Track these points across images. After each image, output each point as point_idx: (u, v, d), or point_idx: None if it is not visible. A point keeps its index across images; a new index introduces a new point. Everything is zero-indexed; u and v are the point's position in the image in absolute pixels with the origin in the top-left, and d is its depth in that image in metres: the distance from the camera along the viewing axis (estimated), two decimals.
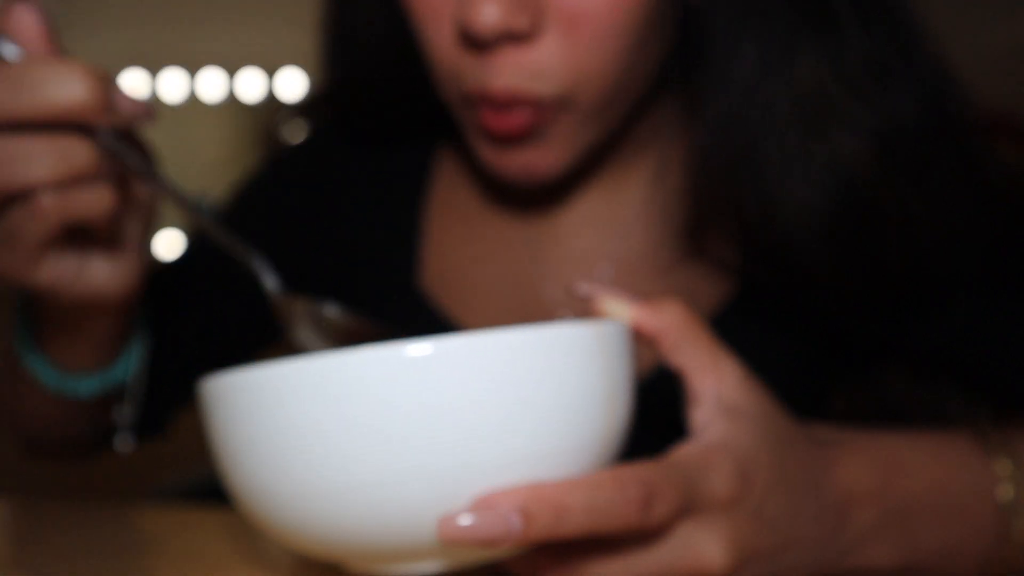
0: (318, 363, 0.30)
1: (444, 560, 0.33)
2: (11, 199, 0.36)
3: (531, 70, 0.45)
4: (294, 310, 0.48)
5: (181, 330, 0.60)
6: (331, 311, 0.49)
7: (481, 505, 0.30)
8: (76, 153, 0.35)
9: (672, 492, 0.32)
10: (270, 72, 3.50)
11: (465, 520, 0.30)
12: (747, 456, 0.35)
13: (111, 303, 0.44)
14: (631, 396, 0.35)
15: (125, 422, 0.54)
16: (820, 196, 0.45)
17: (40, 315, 0.48)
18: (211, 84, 3.55)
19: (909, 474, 0.41)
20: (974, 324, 0.50)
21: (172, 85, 3.56)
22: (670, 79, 0.51)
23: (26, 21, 0.36)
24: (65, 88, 0.34)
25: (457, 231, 0.60)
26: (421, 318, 0.59)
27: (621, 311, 0.38)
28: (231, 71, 3.55)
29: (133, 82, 3.52)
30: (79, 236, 0.40)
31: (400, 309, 0.60)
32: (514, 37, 0.45)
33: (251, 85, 3.53)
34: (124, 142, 0.38)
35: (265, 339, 0.64)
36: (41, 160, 0.35)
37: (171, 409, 0.61)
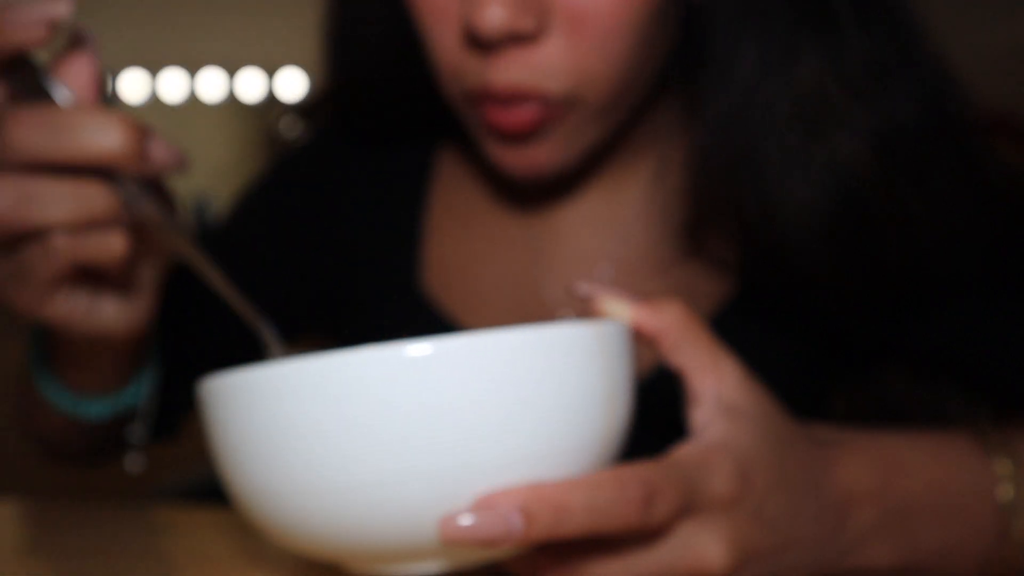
0: (318, 363, 0.30)
1: (444, 560, 0.33)
2: (27, 237, 0.37)
3: (536, 68, 0.45)
4: None
5: (191, 334, 0.60)
6: None
7: (482, 505, 0.30)
8: (95, 198, 0.36)
9: (672, 492, 0.32)
10: (270, 72, 3.50)
11: (466, 520, 0.30)
12: (747, 456, 0.35)
13: (121, 339, 0.45)
14: (631, 396, 0.35)
15: (137, 442, 0.54)
16: (820, 196, 0.45)
17: (53, 343, 0.48)
18: (211, 84, 3.56)
19: (909, 474, 0.41)
20: (974, 324, 0.50)
21: (172, 85, 3.56)
22: (671, 79, 0.51)
23: (82, 69, 0.37)
24: (102, 136, 0.35)
25: (458, 231, 0.60)
26: (422, 318, 0.59)
27: (621, 311, 0.38)
28: (231, 71, 3.55)
29: (133, 82, 3.53)
30: (92, 275, 0.41)
31: (401, 309, 0.60)
32: (519, 38, 0.45)
33: (251, 85, 3.53)
34: (148, 190, 0.39)
35: (285, 340, 0.65)
36: (60, 202, 0.36)
37: (181, 413, 0.61)
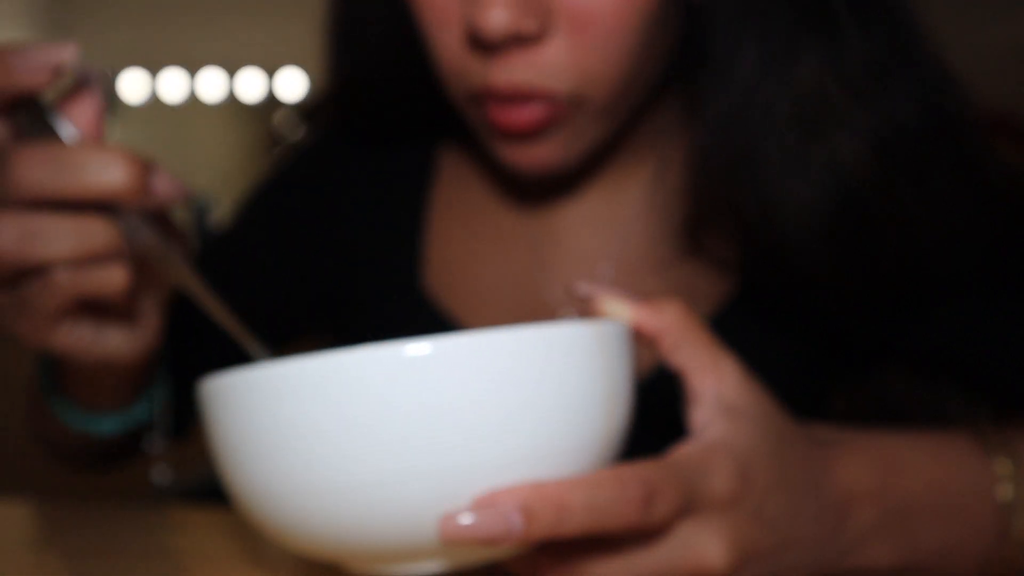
0: (317, 363, 0.30)
1: (444, 560, 0.33)
2: (30, 272, 0.37)
3: (539, 68, 0.46)
4: None
5: (201, 335, 0.60)
6: None
7: (482, 504, 0.30)
8: (96, 234, 0.37)
9: (673, 491, 0.32)
10: (270, 72, 3.50)
11: (466, 519, 0.30)
12: (747, 456, 0.35)
13: (127, 366, 0.45)
14: (631, 395, 0.35)
15: (158, 453, 0.55)
16: (820, 196, 0.45)
17: (62, 366, 0.49)
18: (211, 84, 3.56)
19: (909, 474, 0.41)
20: (974, 324, 0.50)
21: (172, 85, 3.56)
22: (672, 79, 0.51)
23: (87, 107, 0.38)
24: (105, 173, 0.36)
25: (459, 231, 0.60)
26: (423, 318, 0.59)
27: (621, 311, 0.38)
28: (231, 71, 3.55)
29: (133, 82, 3.53)
30: (96, 305, 0.41)
31: (402, 309, 0.60)
32: (522, 39, 0.45)
33: (251, 85, 3.53)
34: (149, 221, 0.39)
35: (286, 340, 0.65)
36: (62, 239, 0.36)
37: (192, 418, 0.61)
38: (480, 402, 0.30)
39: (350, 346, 0.30)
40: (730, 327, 0.52)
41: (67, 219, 0.36)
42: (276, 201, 0.66)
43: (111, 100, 3.36)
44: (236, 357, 0.57)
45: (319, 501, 0.30)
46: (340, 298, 0.64)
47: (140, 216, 0.38)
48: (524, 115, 0.47)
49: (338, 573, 0.36)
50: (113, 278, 0.38)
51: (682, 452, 0.35)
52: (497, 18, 0.43)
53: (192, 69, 3.53)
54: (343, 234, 0.63)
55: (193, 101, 3.57)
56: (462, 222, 0.60)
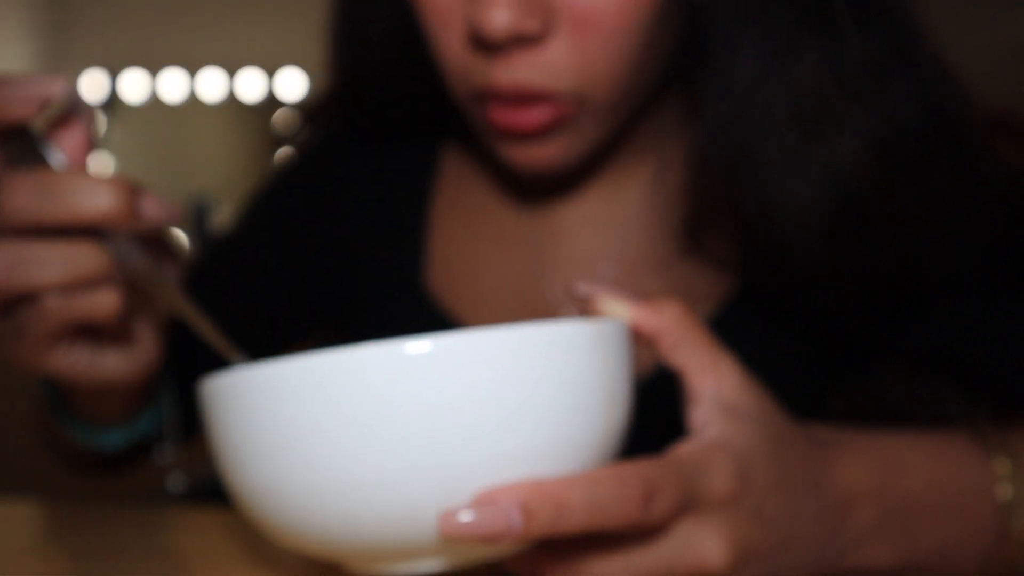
0: (316, 362, 0.30)
1: (444, 559, 0.33)
2: (21, 299, 0.38)
3: (542, 68, 0.46)
4: None
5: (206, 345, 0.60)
6: None
7: (482, 501, 0.30)
8: (85, 259, 0.37)
9: (672, 489, 0.32)
10: (270, 72, 3.50)
11: (466, 516, 0.30)
12: (746, 455, 0.35)
13: (126, 387, 0.45)
14: (631, 394, 0.35)
15: (170, 463, 0.55)
16: (819, 196, 0.45)
17: (64, 386, 0.50)
18: (211, 84, 3.55)
19: (909, 474, 0.41)
20: (974, 324, 0.50)
21: (172, 85, 3.56)
22: (672, 79, 0.51)
23: (76, 135, 0.39)
24: (93, 198, 0.36)
25: (461, 230, 0.60)
26: (425, 317, 0.59)
27: (620, 311, 0.38)
28: (231, 71, 3.55)
29: (133, 82, 3.53)
30: (92, 328, 0.42)
31: (404, 308, 0.60)
32: (524, 39, 0.45)
33: (251, 85, 3.53)
34: (140, 246, 0.40)
35: (289, 341, 0.65)
36: (51, 265, 0.37)
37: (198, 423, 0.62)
38: (480, 400, 0.30)
39: (351, 345, 0.30)
40: (730, 327, 0.52)
41: (56, 246, 0.37)
42: (279, 202, 0.66)
43: (105, 116, 3.36)
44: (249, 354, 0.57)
45: (319, 500, 0.30)
46: (342, 297, 0.64)
47: (131, 240, 0.39)
48: (528, 118, 0.47)
49: (338, 573, 0.37)
50: (104, 302, 0.38)
51: (682, 451, 0.35)
52: (499, 18, 0.43)
53: (192, 69, 3.53)
54: (345, 233, 0.63)
55: (193, 101, 3.56)
56: (464, 221, 0.60)
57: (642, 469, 0.32)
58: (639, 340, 0.38)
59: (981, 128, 0.48)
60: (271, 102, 3.51)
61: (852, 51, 0.45)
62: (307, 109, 0.66)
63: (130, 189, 0.37)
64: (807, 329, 0.53)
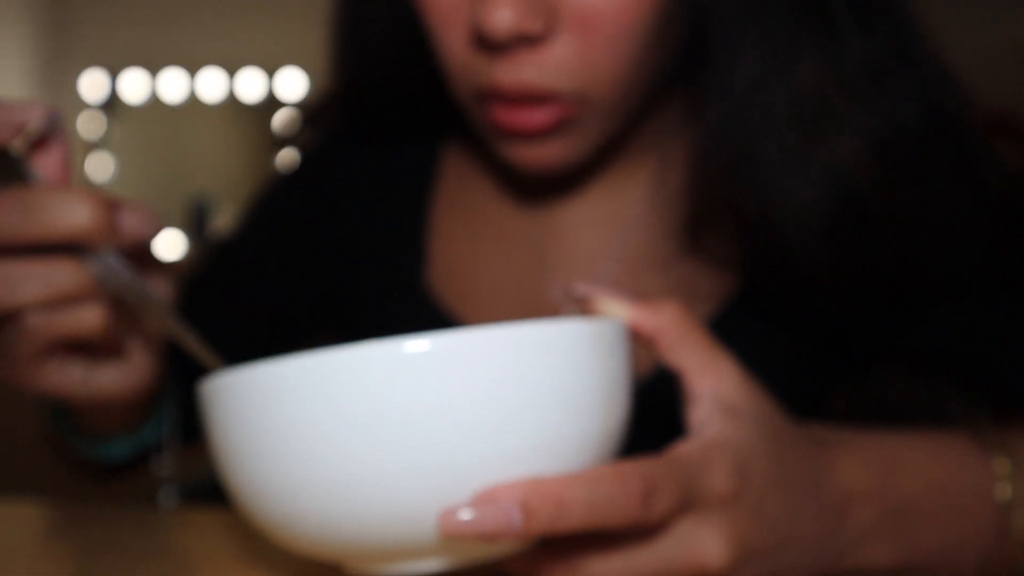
0: (316, 361, 0.30)
1: (444, 558, 0.33)
2: (4, 317, 0.38)
3: (545, 68, 0.46)
4: None
5: (210, 342, 0.60)
6: None
7: (482, 499, 0.30)
8: (65, 276, 0.37)
9: (672, 487, 0.32)
10: (270, 72, 3.50)
11: (466, 514, 0.30)
12: (745, 454, 0.35)
13: (124, 403, 0.45)
14: (630, 393, 0.35)
15: (167, 476, 0.55)
16: (819, 196, 0.45)
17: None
18: (211, 84, 3.55)
19: (908, 474, 0.41)
20: (974, 324, 0.50)
21: (172, 85, 3.56)
22: (674, 79, 0.51)
23: (55, 153, 0.39)
24: (69, 214, 0.36)
25: (462, 230, 0.60)
26: (426, 316, 0.59)
27: (619, 311, 0.38)
28: (231, 71, 3.55)
29: (133, 82, 3.53)
30: (84, 345, 0.42)
31: (405, 307, 0.60)
32: (527, 39, 0.45)
33: (251, 85, 3.53)
34: (123, 261, 0.40)
35: (292, 341, 0.66)
36: (30, 283, 0.37)
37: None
38: (480, 399, 0.30)
39: (351, 345, 0.30)
40: (731, 326, 0.52)
41: (35, 264, 0.37)
42: (280, 202, 0.66)
43: (105, 116, 3.36)
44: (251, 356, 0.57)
45: (319, 500, 0.30)
46: (342, 297, 0.64)
47: (114, 255, 0.39)
48: (531, 118, 0.47)
49: (338, 573, 0.36)
50: (88, 318, 0.38)
51: (681, 450, 0.35)
52: (503, 18, 0.43)
53: (192, 69, 3.53)
54: (346, 233, 0.63)
55: (193, 101, 3.56)
56: (464, 221, 0.60)
57: (642, 468, 0.32)
58: (638, 340, 0.38)
59: (981, 128, 0.48)
60: (271, 102, 3.51)
61: (852, 51, 0.45)
62: (307, 109, 0.66)
63: (107, 203, 0.37)
64: (807, 329, 0.53)
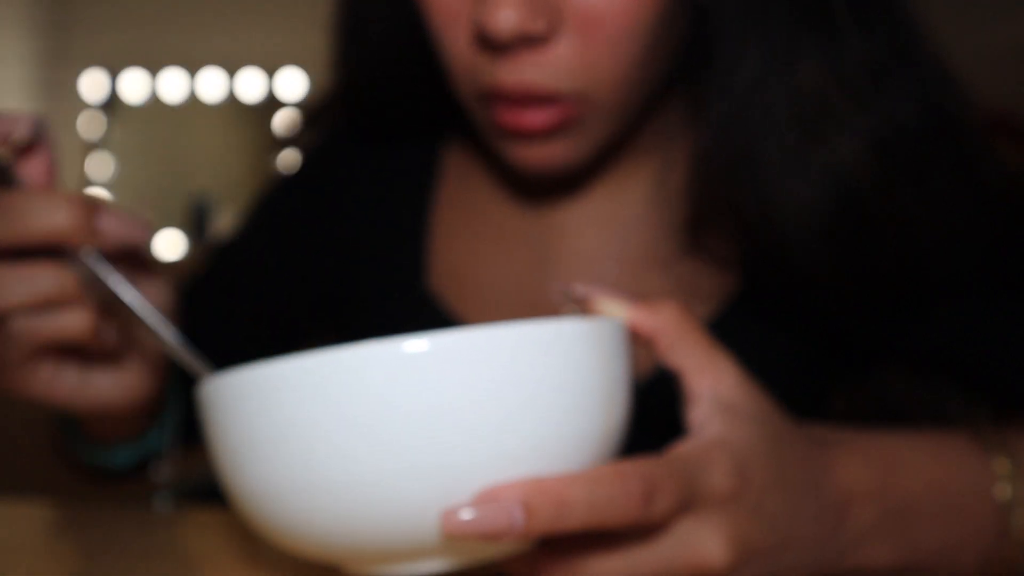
0: (315, 361, 0.30)
1: (444, 559, 0.32)
2: None
3: (547, 68, 0.46)
4: None
5: (212, 342, 0.60)
6: None
7: (483, 499, 0.30)
8: (47, 280, 0.37)
9: (673, 486, 0.32)
10: (270, 72, 3.50)
11: (467, 514, 0.30)
12: (745, 454, 0.35)
13: (122, 412, 0.46)
14: (630, 392, 0.35)
15: (164, 482, 0.55)
16: (819, 196, 0.45)
17: None
18: (211, 84, 3.55)
19: (908, 474, 0.41)
20: (974, 324, 0.50)
21: (172, 85, 3.56)
22: (676, 80, 0.51)
23: (40, 159, 0.40)
24: (49, 216, 0.37)
25: (463, 229, 0.60)
26: (427, 316, 0.59)
27: (617, 311, 0.38)
28: (231, 71, 3.55)
29: (133, 82, 3.52)
30: (78, 352, 0.42)
31: (406, 307, 0.60)
32: (530, 39, 0.45)
33: (251, 85, 3.53)
34: (104, 264, 0.40)
35: (293, 341, 0.66)
36: (13, 287, 0.37)
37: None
38: (479, 399, 0.30)
39: (351, 345, 0.30)
40: (731, 326, 0.52)
41: (17, 268, 0.37)
42: (281, 202, 0.66)
43: (105, 116, 3.36)
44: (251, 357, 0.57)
45: (318, 500, 0.30)
46: (343, 297, 0.64)
47: (96, 258, 0.39)
48: (533, 119, 0.47)
49: (338, 574, 0.36)
50: (73, 322, 0.38)
51: (681, 450, 0.35)
52: (506, 19, 0.43)
53: (192, 69, 3.52)
54: (346, 233, 0.63)
55: (193, 101, 3.56)
56: (465, 221, 0.60)
57: (642, 467, 0.32)
58: (637, 340, 0.38)
59: (981, 128, 0.48)
60: (271, 102, 3.50)
61: (852, 51, 0.45)
62: (308, 109, 0.66)
63: (88, 205, 0.37)
64: (807, 329, 0.53)
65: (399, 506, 0.30)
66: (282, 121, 3.46)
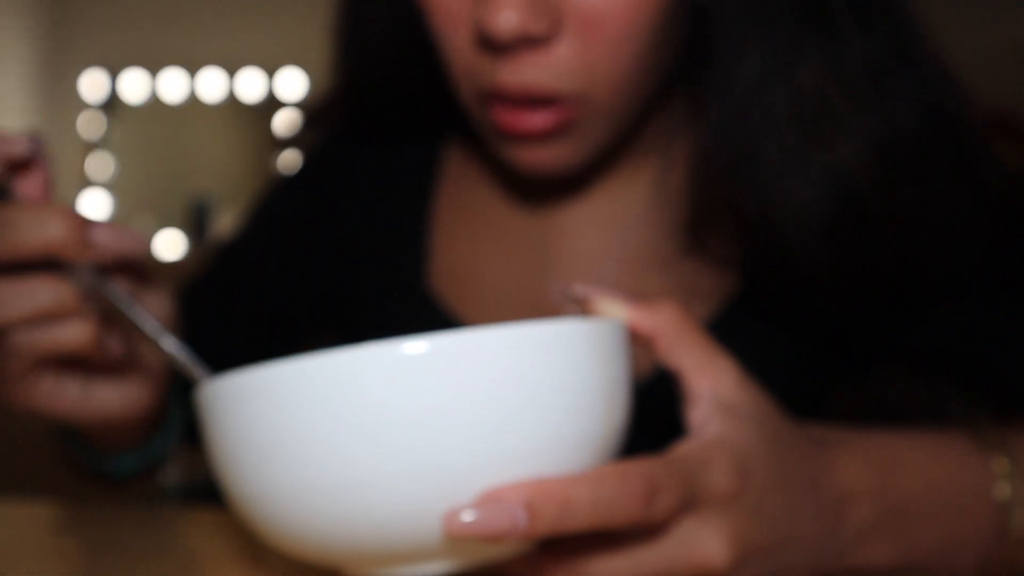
0: (313, 363, 0.30)
1: (444, 561, 0.32)
2: None
3: (548, 69, 0.46)
4: None
5: (212, 343, 0.60)
6: None
7: (486, 500, 0.30)
8: (45, 293, 0.38)
9: (674, 487, 0.32)
10: (270, 72, 3.50)
11: (469, 516, 0.30)
12: (745, 454, 0.35)
13: (125, 422, 0.46)
14: (630, 392, 0.35)
15: (171, 484, 0.55)
16: (819, 197, 0.45)
17: None
18: (211, 84, 3.55)
19: (908, 473, 0.41)
20: (974, 324, 0.50)
21: (172, 85, 3.56)
22: (677, 80, 0.51)
23: (36, 175, 0.40)
24: (42, 229, 0.37)
25: (463, 230, 0.60)
26: (427, 317, 0.59)
27: (616, 311, 0.38)
28: (231, 71, 3.55)
29: (133, 82, 3.53)
30: (80, 364, 0.42)
31: (406, 308, 0.60)
32: (531, 40, 0.45)
33: (251, 85, 3.53)
34: (101, 276, 0.40)
35: (293, 342, 0.66)
36: (12, 302, 0.37)
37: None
38: (478, 400, 0.30)
39: (351, 346, 0.30)
40: (731, 326, 0.52)
41: (15, 282, 0.37)
42: (282, 203, 0.66)
43: (105, 116, 3.36)
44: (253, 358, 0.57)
45: (317, 504, 0.30)
46: (344, 297, 0.64)
47: (93, 271, 0.39)
48: (532, 121, 0.47)
49: (338, 574, 0.36)
50: (73, 334, 0.38)
51: (682, 449, 0.35)
52: (507, 19, 0.43)
53: (192, 69, 3.52)
54: (347, 233, 0.63)
55: (193, 101, 3.56)
56: (466, 221, 0.60)
57: (644, 467, 0.32)
58: (636, 341, 0.38)
59: (981, 128, 0.48)
60: (271, 102, 3.50)
61: (852, 52, 0.45)
62: (308, 109, 0.67)
63: (80, 218, 0.38)
64: (807, 329, 0.53)
65: (399, 508, 0.30)
66: (282, 121, 3.46)
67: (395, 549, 0.31)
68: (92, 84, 3.52)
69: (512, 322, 0.30)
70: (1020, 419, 0.49)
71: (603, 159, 0.55)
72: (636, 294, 0.39)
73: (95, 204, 3.47)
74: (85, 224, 0.38)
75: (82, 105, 3.53)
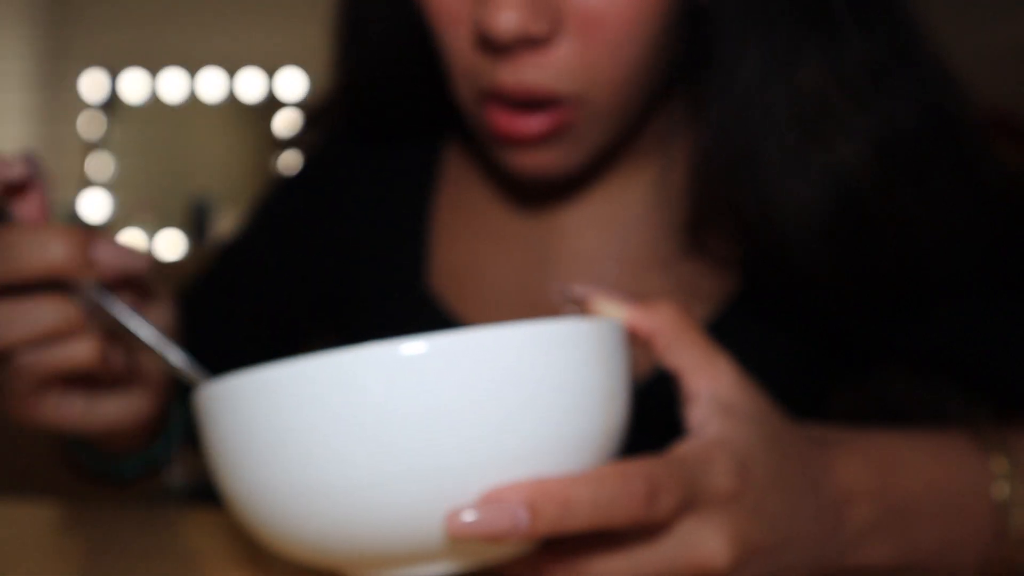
0: (312, 364, 0.30)
1: (445, 562, 0.32)
2: None
3: (548, 69, 0.46)
4: None
5: (213, 343, 0.60)
6: None
7: (487, 500, 0.30)
8: (50, 313, 0.38)
9: (675, 486, 0.32)
10: (270, 72, 3.50)
11: (470, 516, 0.30)
12: (744, 454, 0.35)
13: (129, 432, 0.46)
14: (629, 392, 0.35)
15: (176, 484, 0.55)
16: (819, 197, 0.45)
17: None
18: (211, 84, 3.55)
19: (907, 473, 0.41)
20: (974, 324, 0.50)
21: (172, 85, 3.56)
22: (676, 81, 0.51)
23: (34, 196, 0.40)
24: (43, 249, 0.37)
25: (463, 230, 0.60)
26: (427, 317, 0.59)
27: (615, 312, 0.38)
28: (231, 71, 3.54)
29: (133, 82, 3.52)
30: (84, 377, 0.42)
31: (406, 309, 0.60)
32: (532, 41, 0.45)
33: (251, 85, 3.53)
34: (105, 293, 0.40)
35: (294, 343, 0.66)
36: (17, 323, 0.38)
37: None
38: (478, 400, 0.29)
39: (350, 346, 0.30)
40: (731, 326, 0.52)
41: (20, 303, 0.38)
42: (282, 203, 0.66)
43: (105, 116, 3.36)
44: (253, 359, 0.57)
45: (317, 505, 0.30)
46: (344, 298, 0.64)
47: (97, 289, 0.40)
48: (529, 125, 0.47)
49: (338, 574, 0.36)
50: (79, 352, 0.39)
51: (682, 449, 0.35)
52: (507, 20, 0.43)
53: (192, 69, 3.52)
54: (347, 233, 0.63)
55: (193, 101, 3.56)
56: (466, 222, 0.60)
57: (645, 467, 0.32)
58: (634, 341, 0.38)
59: (981, 128, 0.48)
60: (271, 102, 3.50)
61: (853, 52, 0.45)
62: (308, 110, 0.67)
63: (83, 238, 0.38)
64: (807, 329, 0.53)
65: (399, 509, 0.30)
66: (282, 121, 3.46)
67: (395, 550, 0.31)
68: (92, 84, 3.52)
69: (512, 322, 0.30)
70: (1020, 419, 0.49)
71: (603, 159, 0.55)
72: (635, 294, 0.39)
73: (95, 204, 3.46)
74: (86, 243, 0.38)
75: (82, 105, 3.52)
